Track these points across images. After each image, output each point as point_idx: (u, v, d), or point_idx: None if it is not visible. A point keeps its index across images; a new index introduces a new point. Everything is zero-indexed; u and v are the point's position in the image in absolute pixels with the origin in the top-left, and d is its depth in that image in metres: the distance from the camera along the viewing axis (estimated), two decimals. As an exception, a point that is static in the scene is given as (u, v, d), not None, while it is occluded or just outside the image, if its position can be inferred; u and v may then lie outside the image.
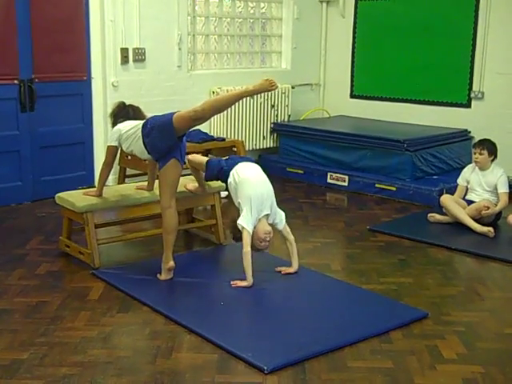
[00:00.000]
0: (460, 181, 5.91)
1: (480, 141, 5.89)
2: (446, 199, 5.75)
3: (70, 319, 3.77)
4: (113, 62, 6.51)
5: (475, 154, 5.75)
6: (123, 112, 4.67)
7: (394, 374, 3.23)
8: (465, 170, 5.93)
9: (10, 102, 5.97)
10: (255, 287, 4.24)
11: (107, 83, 6.51)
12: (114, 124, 4.67)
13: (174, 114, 4.23)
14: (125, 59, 6.56)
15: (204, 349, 3.46)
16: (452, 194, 5.94)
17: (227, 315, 3.85)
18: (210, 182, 5.00)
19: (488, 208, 5.48)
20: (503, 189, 5.64)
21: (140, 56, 6.67)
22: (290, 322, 3.77)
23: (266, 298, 4.14)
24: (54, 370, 3.20)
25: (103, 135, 6.61)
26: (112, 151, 4.55)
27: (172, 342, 3.53)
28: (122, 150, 4.60)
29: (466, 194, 5.86)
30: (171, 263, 4.31)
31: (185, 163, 4.46)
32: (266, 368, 3.22)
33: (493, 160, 5.76)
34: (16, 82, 5.96)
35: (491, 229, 5.38)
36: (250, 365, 3.27)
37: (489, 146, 5.73)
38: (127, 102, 6.71)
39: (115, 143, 4.50)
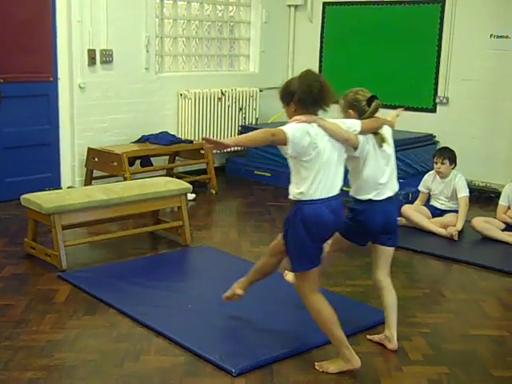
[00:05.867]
0: (421, 188, 5.98)
1: (440, 150, 5.97)
2: (406, 210, 5.79)
3: (36, 322, 3.73)
4: (80, 63, 6.44)
5: (437, 163, 5.80)
6: None
7: (361, 376, 3.26)
8: (425, 177, 5.99)
9: (-26, 102, 5.89)
10: (222, 290, 4.23)
11: (74, 84, 6.44)
12: None
13: None
14: (92, 61, 6.50)
15: (172, 351, 3.45)
16: (417, 197, 6.02)
17: (194, 317, 3.84)
18: (173, 184, 4.99)
19: (457, 232, 5.49)
20: (462, 193, 5.70)
21: (107, 58, 6.61)
22: (258, 324, 3.77)
23: (233, 300, 4.13)
24: (20, 374, 3.16)
25: (69, 137, 6.54)
26: None
27: (140, 344, 3.51)
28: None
29: (428, 200, 5.95)
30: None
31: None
32: (233, 371, 3.22)
33: (453, 168, 5.83)
34: (-19, 82, 5.89)
35: (456, 232, 5.46)
36: (218, 367, 3.27)
37: (450, 156, 5.79)
38: (94, 103, 6.68)
39: None
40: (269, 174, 7.37)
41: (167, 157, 7.16)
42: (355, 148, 3.37)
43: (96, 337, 3.60)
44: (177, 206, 5.21)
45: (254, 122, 8.02)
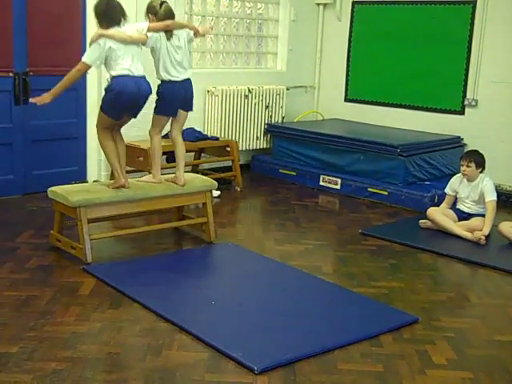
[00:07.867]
0: (448, 191, 5.90)
1: (467, 153, 5.90)
2: (432, 212, 5.73)
3: (60, 314, 3.75)
4: (108, 57, 6.46)
5: (462, 166, 5.72)
6: None
7: (383, 378, 3.24)
8: (452, 179, 5.92)
9: (4, 94, 5.94)
10: (246, 288, 4.23)
11: (102, 78, 6.46)
12: None
13: None
14: (120, 55, 6.52)
15: (194, 347, 3.45)
16: (443, 199, 5.96)
17: (218, 314, 3.85)
18: (198, 180, 5.07)
19: (484, 237, 5.41)
20: (489, 197, 5.61)
21: (136, 52, 6.63)
22: (281, 322, 3.76)
23: (256, 298, 4.13)
24: (43, 365, 3.19)
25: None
26: None
27: (162, 339, 3.51)
28: None
29: (455, 203, 5.88)
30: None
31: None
32: (256, 368, 3.21)
33: (481, 171, 5.74)
34: (11, 74, 5.93)
35: (483, 236, 5.39)
36: (241, 364, 3.27)
37: (476, 159, 5.71)
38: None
39: None
40: (294, 173, 7.34)
41: (193, 153, 7.17)
42: (143, 44, 4.79)
43: (119, 330, 3.61)
44: (202, 202, 5.21)
45: (280, 120, 8.01)
